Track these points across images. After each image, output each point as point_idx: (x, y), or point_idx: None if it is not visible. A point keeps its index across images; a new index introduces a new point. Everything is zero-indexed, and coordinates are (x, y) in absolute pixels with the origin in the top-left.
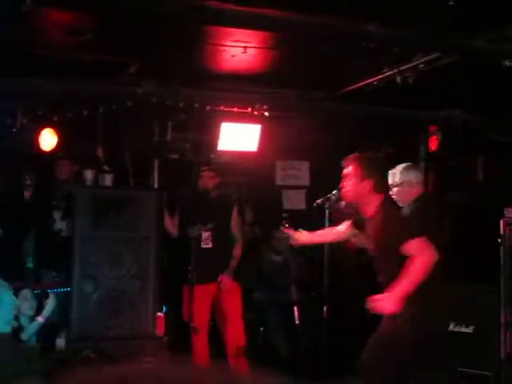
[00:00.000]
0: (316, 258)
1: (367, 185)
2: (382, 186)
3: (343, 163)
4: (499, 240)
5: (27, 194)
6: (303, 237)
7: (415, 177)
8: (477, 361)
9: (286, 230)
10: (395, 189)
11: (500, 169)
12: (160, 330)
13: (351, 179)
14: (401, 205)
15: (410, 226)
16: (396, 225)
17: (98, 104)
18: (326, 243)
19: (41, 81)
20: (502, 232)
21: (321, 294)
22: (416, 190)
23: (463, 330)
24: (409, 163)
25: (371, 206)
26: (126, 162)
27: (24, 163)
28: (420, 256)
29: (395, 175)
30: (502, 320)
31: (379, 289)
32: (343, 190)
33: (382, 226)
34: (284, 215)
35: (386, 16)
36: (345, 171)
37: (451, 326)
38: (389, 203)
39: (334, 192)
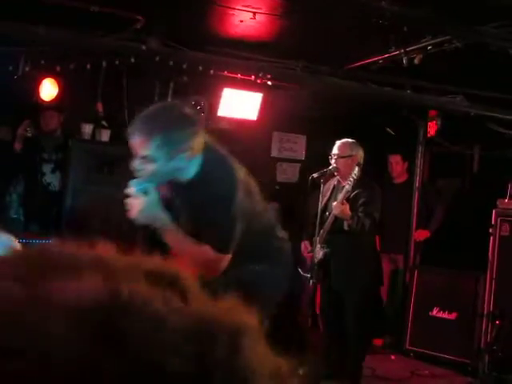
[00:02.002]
0: None
1: None
2: None
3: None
4: (490, 230)
5: (18, 146)
6: None
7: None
8: (456, 347)
9: None
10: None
11: (496, 159)
12: None
13: None
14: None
15: None
16: None
17: (102, 58)
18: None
19: (45, 28)
20: (493, 222)
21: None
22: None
23: (446, 315)
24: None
25: None
26: (125, 119)
27: (21, 112)
28: None
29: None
30: (485, 309)
31: None
32: None
33: None
34: (276, 187)
35: None
36: None
37: (434, 311)
38: None
39: (330, 167)
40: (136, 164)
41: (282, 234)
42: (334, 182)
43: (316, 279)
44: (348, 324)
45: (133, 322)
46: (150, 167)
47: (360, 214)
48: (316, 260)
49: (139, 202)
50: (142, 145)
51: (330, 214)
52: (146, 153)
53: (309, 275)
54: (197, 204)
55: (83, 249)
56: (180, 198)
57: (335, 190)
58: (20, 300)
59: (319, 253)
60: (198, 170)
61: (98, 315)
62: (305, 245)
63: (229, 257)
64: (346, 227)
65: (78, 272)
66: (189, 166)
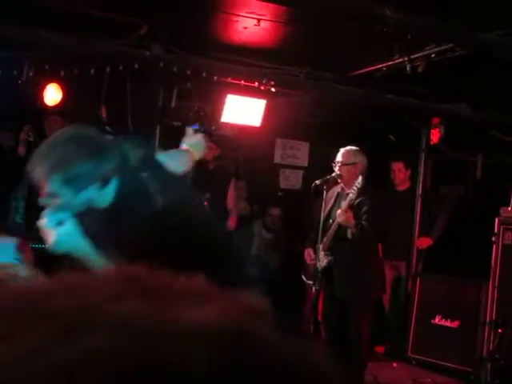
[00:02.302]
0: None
1: None
2: None
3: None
4: (493, 238)
5: (21, 150)
6: None
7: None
8: (459, 355)
9: None
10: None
11: (499, 167)
12: None
13: None
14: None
15: None
16: None
17: (106, 63)
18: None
19: (49, 34)
20: (496, 230)
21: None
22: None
23: (448, 323)
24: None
25: None
26: (128, 124)
27: (25, 117)
28: None
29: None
30: (488, 317)
31: None
32: None
33: None
34: (279, 194)
35: (403, 1)
36: None
37: (437, 319)
38: None
39: (333, 174)
40: (43, 199)
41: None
42: (337, 189)
43: (319, 286)
44: (350, 331)
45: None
46: (58, 202)
47: (363, 222)
48: (319, 267)
49: (54, 233)
50: (42, 182)
51: (333, 222)
52: (49, 190)
53: (312, 282)
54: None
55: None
56: (101, 225)
57: (339, 197)
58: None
59: (323, 260)
60: (113, 195)
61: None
62: (308, 252)
63: None
64: (349, 235)
65: (197, 300)
66: (102, 195)
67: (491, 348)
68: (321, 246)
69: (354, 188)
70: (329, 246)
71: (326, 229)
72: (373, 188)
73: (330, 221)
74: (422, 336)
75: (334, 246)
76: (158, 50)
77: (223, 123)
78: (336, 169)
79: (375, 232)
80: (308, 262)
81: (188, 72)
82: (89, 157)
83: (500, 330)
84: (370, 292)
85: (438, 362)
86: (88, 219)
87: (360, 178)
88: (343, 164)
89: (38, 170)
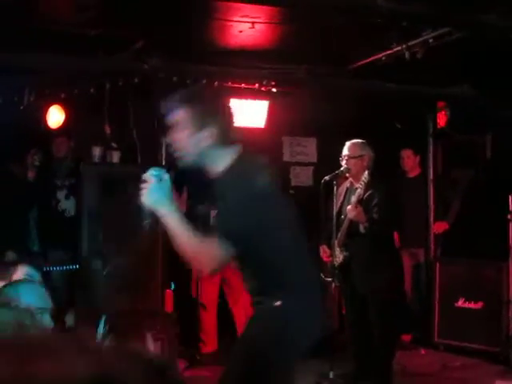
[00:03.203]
0: None
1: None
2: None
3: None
4: (508, 216)
5: (31, 175)
6: None
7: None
8: (485, 337)
9: None
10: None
11: (508, 145)
12: (169, 306)
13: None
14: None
15: None
16: None
17: (105, 80)
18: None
19: (47, 56)
20: (510, 208)
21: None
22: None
23: (472, 305)
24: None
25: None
26: (134, 138)
27: (31, 142)
28: None
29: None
30: (511, 296)
31: None
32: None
33: None
34: (291, 191)
35: None
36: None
37: (460, 302)
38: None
39: (341, 168)
40: (169, 137)
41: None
42: (346, 184)
43: (338, 282)
44: (373, 324)
45: None
46: (180, 135)
47: (374, 215)
48: (336, 264)
49: (150, 185)
50: (173, 112)
51: (345, 218)
52: (177, 119)
53: (330, 279)
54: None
55: (66, 335)
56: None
57: (348, 192)
58: (7, 378)
59: (339, 256)
60: (226, 165)
61: None
62: (323, 249)
63: (228, 257)
64: (362, 230)
65: (60, 355)
66: (216, 155)
67: None
68: (336, 242)
69: (362, 183)
70: (343, 242)
71: (339, 225)
72: (381, 180)
73: (342, 216)
74: (447, 320)
75: (348, 242)
76: (156, 61)
77: None
78: (343, 163)
79: (387, 224)
80: (324, 259)
81: (188, 81)
82: (216, 106)
83: None
84: (389, 282)
85: (466, 344)
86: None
87: (366, 172)
88: (350, 157)
89: (173, 101)
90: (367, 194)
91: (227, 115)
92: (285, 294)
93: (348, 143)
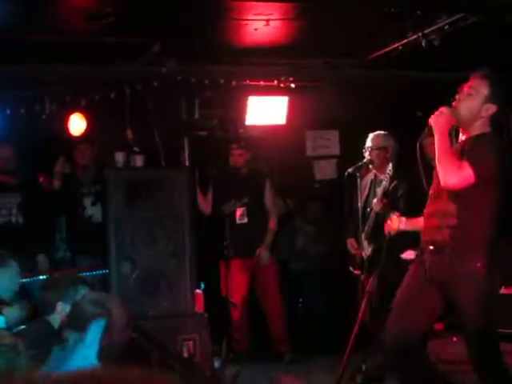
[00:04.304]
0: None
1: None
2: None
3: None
4: None
5: (57, 184)
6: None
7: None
8: None
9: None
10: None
11: None
12: (199, 306)
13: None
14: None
15: None
16: None
17: (124, 86)
18: None
19: (65, 66)
20: None
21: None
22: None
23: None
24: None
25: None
26: (156, 141)
27: (55, 150)
28: None
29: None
30: None
31: None
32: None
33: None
34: (316, 186)
35: None
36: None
37: (503, 290)
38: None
39: (364, 160)
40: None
41: None
42: (371, 176)
43: (368, 275)
44: None
45: None
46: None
47: (401, 206)
48: (365, 256)
49: None
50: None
51: (371, 210)
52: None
53: (360, 272)
54: None
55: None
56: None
57: (372, 184)
58: None
59: (367, 249)
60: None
61: None
62: (350, 242)
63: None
64: None
65: None
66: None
67: None
68: (363, 235)
69: (387, 175)
70: (370, 235)
71: (365, 217)
72: (405, 171)
73: (368, 209)
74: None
75: (375, 234)
76: (174, 64)
77: (249, 126)
78: (366, 154)
79: (413, 214)
80: (352, 252)
81: (206, 81)
82: None
83: None
84: None
85: (503, 330)
86: None
87: (390, 164)
88: (373, 149)
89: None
90: (392, 185)
91: None
92: None
93: (371, 135)
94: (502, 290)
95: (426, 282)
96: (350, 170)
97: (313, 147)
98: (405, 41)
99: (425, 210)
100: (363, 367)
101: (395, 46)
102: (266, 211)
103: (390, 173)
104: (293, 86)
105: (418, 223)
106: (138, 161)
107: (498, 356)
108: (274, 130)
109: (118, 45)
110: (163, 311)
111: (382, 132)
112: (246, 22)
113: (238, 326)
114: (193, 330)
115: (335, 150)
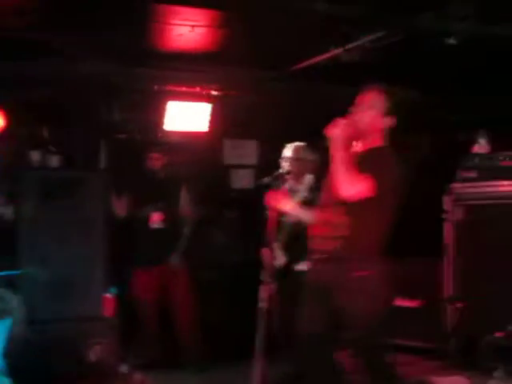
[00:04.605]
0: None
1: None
2: None
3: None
4: (444, 215)
5: None
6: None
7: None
8: (422, 334)
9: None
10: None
11: (444, 145)
12: (109, 311)
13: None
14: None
15: None
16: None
17: (43, 84)
18: None
19: None
20: (446, 207)
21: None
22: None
23: (409, 304)
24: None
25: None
26: (73, 142)
27: None
28: None
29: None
30: (447, 294)
31: None
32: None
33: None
34: (232, 194)
35: None
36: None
37: (397, 301)
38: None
39: (280, 170)
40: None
41: None
42: (287, 186)
43: (277, 285)
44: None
45: None
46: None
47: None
48: (277, 266)
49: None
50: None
51: (287, 220)
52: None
53: (270, 281)
54: None
55: None
56: None
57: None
58: None
59: (280, 259)
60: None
61: None
62: (265, 251)
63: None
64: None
65: None
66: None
67: (454, 323)
68: (278, 245)
69: (305, 185)
70: (286, 245)
71: (280, 228)
72: (313, 179)
73: (284, 219)
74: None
75: (290, 244)
76: (96, 64)
77: (169, 131)
78: (284, 164)
79: None
80: (266, 261)
81: (128, 84)
82: None
83: (460, 305)
84: None
85: (403, 342)
86: None
87: (310, 176)
88: (292, 159)
89: None
90: (310, 197)
91: None
92: None
93: (290, 145)
94: (397, 302)
95: (319, 288)
96: (265, 179)
97: (231, 156)
98: (327, 55)
99: (316, 217)
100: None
101: (318, 59)
102: (181, 217)
103: (310, 183)
104: (215, 93)
105: (304, 214)
106: (54, 161)
107: (383, 363)
108: (193, 136)
109: (39, 42)
110: (73, 315)
111: (301, 143)
112: (170, 26)
113: (148, 333)
114: (101, 335)
115: (252, 159)
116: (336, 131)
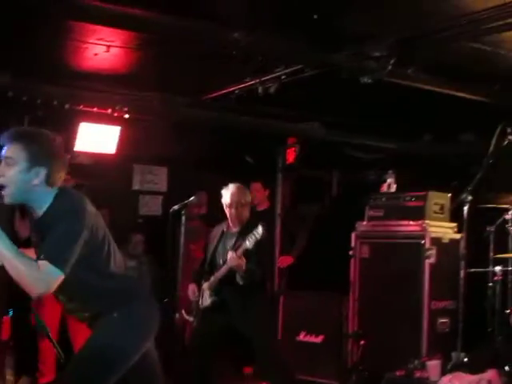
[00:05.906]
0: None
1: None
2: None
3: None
4: (350, 252)
5: None
6: None
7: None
8: (325, 370)
9: None
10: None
11: (353, 183)
12: (5, 334)
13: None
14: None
15: None
16: None
17: None
18: None
19: None
20: (353, 244)
21: (173, 302)
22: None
23: (313, 339)
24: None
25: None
26: None
27: None
28: None
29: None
30: (350, 330)
31: None
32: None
33: None
34: (139, 221)
35: (251, 25)
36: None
37: (301, 336)
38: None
39: (191, 198)
40: None
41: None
42: (222, 227)
43: (198, 325)
44: None
45: None
46: (10, 172)
47: (251, 266)
48: (202, 306)
49: None
50: (6, 146)
51: (223, 263)
52: (9, 154)
53: (191, 318)
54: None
55: None
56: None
57: (224, 236)
58: None
59: (207, 300)
60: (49, 205)
61: None
62: (192, 288)
63: (61, 277)
64: (238, 280)
65: None
66: (43, 196)
67: (355, 359)
68: (207, 285)
69: (252, 237)
70: (216, 287)
71: (212, 268)
72: (264, 233)
73: (218, 260)
74: (289, 354)
75: (220, 288)
76: (6, 78)
77: (78, 152)
78: (229, 210)
79: (262, 271)
80: (191, 298)
81: (39, 100)
82: (51, 148)
83: (362, 342)
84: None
85: (306, 378)
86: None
87: (260, 228)
88: (240, 204)
89: (8, 135)
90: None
91: (60, 159)
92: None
93: (232, 188)
94: (302, 337)
95: None
96: (175, 207)
97: (140, 181)
98: (242, 85)
99: None
100: None
101: (233, 89)
102: None
103: (259, 236)
104: (126, 116)
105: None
106: None
107: None
108: (103, 159)
109: None
110: None
111: (241, 185)
112: (86, 45)
113: (44, 358)
114: None
115: (162, 186)
116: None
